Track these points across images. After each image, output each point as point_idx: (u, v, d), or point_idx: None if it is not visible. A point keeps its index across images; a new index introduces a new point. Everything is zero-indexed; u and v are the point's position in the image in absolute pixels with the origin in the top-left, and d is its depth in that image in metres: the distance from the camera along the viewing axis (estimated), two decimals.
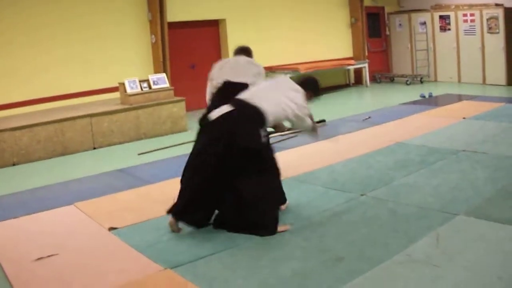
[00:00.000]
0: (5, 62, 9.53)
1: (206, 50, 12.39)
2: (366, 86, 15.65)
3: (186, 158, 5.03)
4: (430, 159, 6.73)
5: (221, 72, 5.20)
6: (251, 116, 4.58)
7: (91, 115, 9.06)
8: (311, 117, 4.96)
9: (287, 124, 5.07)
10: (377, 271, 3.82)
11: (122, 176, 7.08)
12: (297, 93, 4.83)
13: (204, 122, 4.88)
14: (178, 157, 7.38)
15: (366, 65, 15.53)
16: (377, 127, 9.12)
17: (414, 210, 5.00)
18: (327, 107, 11.46)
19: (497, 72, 14.01)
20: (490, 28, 14.01)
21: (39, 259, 4.39)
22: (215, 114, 4.66)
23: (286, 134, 8.84)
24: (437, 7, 15.56)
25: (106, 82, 10.54)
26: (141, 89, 9.83)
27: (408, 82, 15.43)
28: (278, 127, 5.19)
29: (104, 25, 10.72)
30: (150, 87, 9.95)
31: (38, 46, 9.88)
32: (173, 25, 11.52)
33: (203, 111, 5.06)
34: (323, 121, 9.74)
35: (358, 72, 15.93)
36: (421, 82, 15.47)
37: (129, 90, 9.68)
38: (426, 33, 15.59)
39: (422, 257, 3.97)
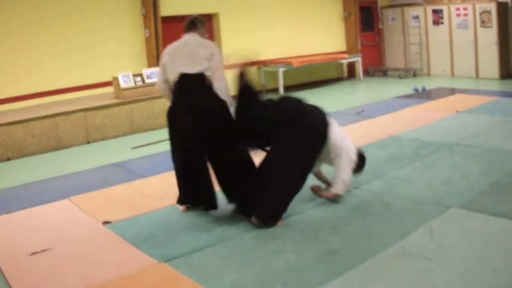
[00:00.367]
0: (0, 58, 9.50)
1: None
2: (359, 79, 15.66)
3: None
4: (424, 153, 6.75)
5: (173, 60, 5.09)
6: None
7: (85, 110, 9.03)
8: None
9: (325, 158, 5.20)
10: (370, 264, 3.84)
11: (116, 170, 7.08)
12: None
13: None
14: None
15: (359, 59, 15.54)
16: (370, 121, 9.13)
17: (407, 203, 5.02)
18: (320, 101, 11.38)
19: (490, 66, 14.04)
20: (483, 22, 14.03)
21: (33, 253, 4.39)
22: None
23: None
24: (430, 1, 15.57)
25: (100, 77, 10.50)
26: (135, 83, 9.81)
27: (401, 76, 15.45)
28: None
29: (98, 19, 10.67)
30: (143, 81, 9.94)
31: (32, 41, 9.82)
32: (166, 20, 11.50)
33: None
34: None
35: (351, 66, 15.93)
36: (414, 75, 15.49)
37: (122, 85, 9.66)
38: (419, 27, 15.60)
39: (416, 250, 3.99)
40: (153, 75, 9.92)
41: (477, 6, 14.07)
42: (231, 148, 4.97)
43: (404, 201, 5.08)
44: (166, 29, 11.43)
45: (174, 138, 5.13)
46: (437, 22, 15.17)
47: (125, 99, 9.60)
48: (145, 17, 11.30)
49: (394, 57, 16.57)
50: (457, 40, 14.74)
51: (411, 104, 10.40)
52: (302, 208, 5.07)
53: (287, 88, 13.42)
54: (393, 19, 16.40)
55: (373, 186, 5.61)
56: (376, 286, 3.55)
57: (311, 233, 4.51)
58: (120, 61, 10.81)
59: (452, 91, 11.98)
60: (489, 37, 13.93)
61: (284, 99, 5.39)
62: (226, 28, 12.87)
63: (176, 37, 5.40)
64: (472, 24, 14.27)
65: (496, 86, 12.91)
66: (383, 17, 16.70)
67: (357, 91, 14.29)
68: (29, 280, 4.00)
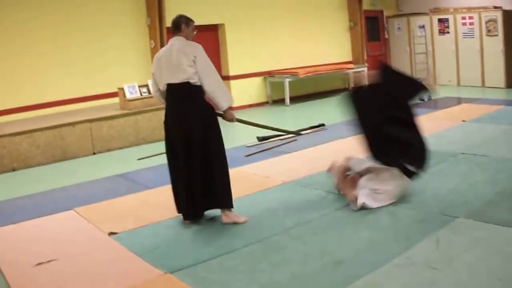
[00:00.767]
0: (4, 67, 9.53)
1: None
2: None
3: None
4: (430, 162, 6.71)
5: (159, 70, 5.04)
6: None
7: (90, 120, 9.06)
8: None
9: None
10: (376, 275, 3.81)
11: (122, 181, 7.08)
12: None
13: None
14: None
15: (365, 69, 15.53)
16: None
17: (414, 213, 4.99)
18: (327, 111, 11.47)
19: (496, 74, 14.01)
20: (489, 31, 14.02)
21: (39, 264, 4.39)
22: None
23: (287, 138, 8.86)
24: (436, 10, 15.57)
25: (106, 88, 10.54)
26: (141, 94, 9.82)
27: None
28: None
29: (104, 30, 10.73)
30: (149, 92, 9.94)
31: (37, 52, 9.87)
32: None
33: None
34: (323, 125, 9.75)
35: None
36: None
37: (128, 95, 9.68)
38: (425, 36, 15.60)
39: (422, 260, 3.96)
40: None
41: (483, 15, 14.06)
42: (218, 157, 5.03)
43: (411, 211, 5.06)
44: None
45: (168, 149, 5.17)
46: (443, 31, 15.16)
47: (130, 110, 9.61)
48: (150, 27, 11.35)
49: (400, 67, 16.38)
50: (463, 49, 14.72)
51: (417, 114, 10.32)
52: (308, 218, 5.06)
53: (293, 98, 13.43)
54: (399, 28, 16.40)
55: None
56: None
57: (317, 244, 4.49)
58: (125, 71, 10.84)
59: (458, 101, 11.95)
60: (495, 45, 13.91)
61: None
62: (232, 38, 12.90)
63: None
64: (478, 33, 14.25)
65: (502, 94, 12.88)
66: (389, 27, 16.72)
67: None
68: None
